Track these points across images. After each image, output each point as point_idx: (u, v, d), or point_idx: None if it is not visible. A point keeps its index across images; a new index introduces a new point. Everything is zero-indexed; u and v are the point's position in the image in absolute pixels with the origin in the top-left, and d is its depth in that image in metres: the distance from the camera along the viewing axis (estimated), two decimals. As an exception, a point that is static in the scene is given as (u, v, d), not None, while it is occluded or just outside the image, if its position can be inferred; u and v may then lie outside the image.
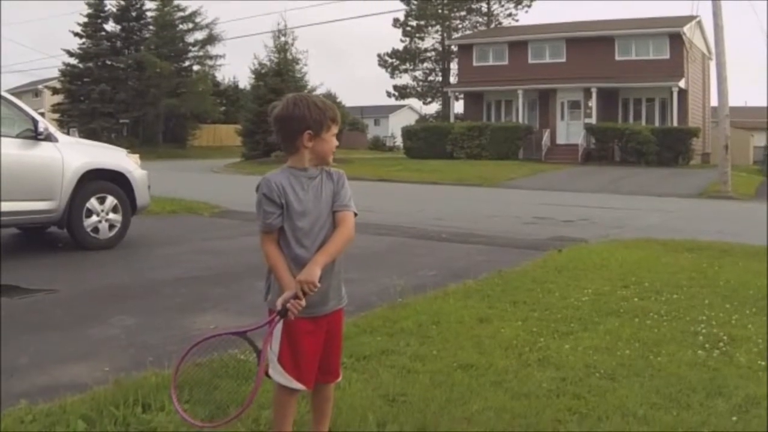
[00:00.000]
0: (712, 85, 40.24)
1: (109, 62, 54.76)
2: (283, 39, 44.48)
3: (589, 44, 42.20)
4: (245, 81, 64.05)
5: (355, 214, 3.34)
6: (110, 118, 53.35)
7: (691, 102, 41.78)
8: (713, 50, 37.33)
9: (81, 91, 53.95)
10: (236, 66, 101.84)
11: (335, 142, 3.37)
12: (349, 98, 61.86)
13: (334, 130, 3.36)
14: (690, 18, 40.00)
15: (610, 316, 6.29)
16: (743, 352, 5.17)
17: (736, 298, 7.05)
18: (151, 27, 57.36)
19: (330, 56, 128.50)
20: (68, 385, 4.33)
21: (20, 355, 5.06)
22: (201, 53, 59.07)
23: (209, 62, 59.74)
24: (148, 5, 57.27)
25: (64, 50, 55.02)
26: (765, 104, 48.17)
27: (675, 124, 39.55)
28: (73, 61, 54.45)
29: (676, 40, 40.47)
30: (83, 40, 55.01)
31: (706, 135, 44.11)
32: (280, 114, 3.28)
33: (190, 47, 58.60)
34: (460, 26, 66.34)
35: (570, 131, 42.37)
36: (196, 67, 59.33)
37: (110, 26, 56.78)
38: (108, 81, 53.42)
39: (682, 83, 39.77)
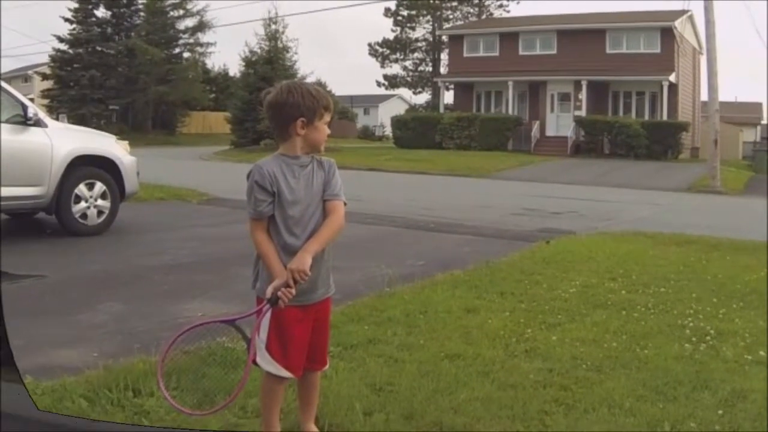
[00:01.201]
0: (702, 79, 40.40)
1: (99, 48, 54.41)
2: (273, 27, 44.46)
3: (580, 37, 42.12)
4: (235, 69, 63.80)
5: (345, 204, 3.35)
6: (100, 104, 53.08)
7: (681, 96, 41.85)
8: (704, 45, 37.54)
9: (71, 77, 53.63)
10: (226, 54, 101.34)
11: (327, 131, 3.38)
12: (339, 87, 61.55)
13: (327, 118, 3.36)
14: (681, 12, 39.94)
15: (598, 308, 6.32)
16: (730, 346, 5.20)
17: (723, 292, 7.09)
18: (141, 13, 57.04)
19: (321, 45, 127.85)
20: (61, 369, 4.32)
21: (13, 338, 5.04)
22: (191, 40, 58.83)
23: (199, 49, 59.46)
24: (139, -9, 57.08)
25: (55, 36, 54.81)
26: (755, 100, 48.40)
27: (665, 118, 39.63)
28: (63, 46, 54.16)
29: (668, 35, 40.48)
30: (74, 25, 54.68)
31: (696, 129, 44.18)
32: (273, 100, 3.28)
33: (181, 34, 58.32)
34: (450, 17, 66.17)
35: (560, 123, 42.32)
36: (186, 54, 59.09)
37: (101, 12, 56.39)
38: (98, 67, 53.10)
39: (672, 77, 39.84)
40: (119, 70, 54.58)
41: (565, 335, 5.36)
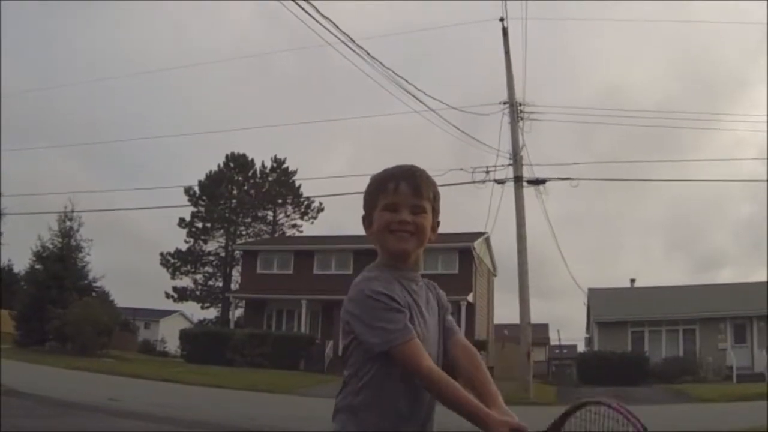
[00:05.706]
0: (495, 300, 41.60)
1: None
2: (68, 224, 41.98)
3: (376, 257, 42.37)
4: (20, 265, 58.74)
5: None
6: None
7: (477, 316, 42.89)
8: (497, 266, 38.83)
9: None
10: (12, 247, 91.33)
11: (400, 217, 2.59)
12: (124, 298, 58.18)
13: (387, 199, 2.61)
14: (479, 234, 41.47)
15: None
16: None
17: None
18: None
19: (114, 243, 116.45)
20: None
21: None
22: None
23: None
24: None
25: None
26: (543, 321, 50.27)
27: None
28: None
29: (466, 256, 41.92)
30: None
31: (490, 349, 44.84)
32: None
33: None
34: (244, 232, 66.05)
35: (356, 343, 41.77)
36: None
37: None
38: None
39: (470, 297, 40.76)
40: None
41: None
